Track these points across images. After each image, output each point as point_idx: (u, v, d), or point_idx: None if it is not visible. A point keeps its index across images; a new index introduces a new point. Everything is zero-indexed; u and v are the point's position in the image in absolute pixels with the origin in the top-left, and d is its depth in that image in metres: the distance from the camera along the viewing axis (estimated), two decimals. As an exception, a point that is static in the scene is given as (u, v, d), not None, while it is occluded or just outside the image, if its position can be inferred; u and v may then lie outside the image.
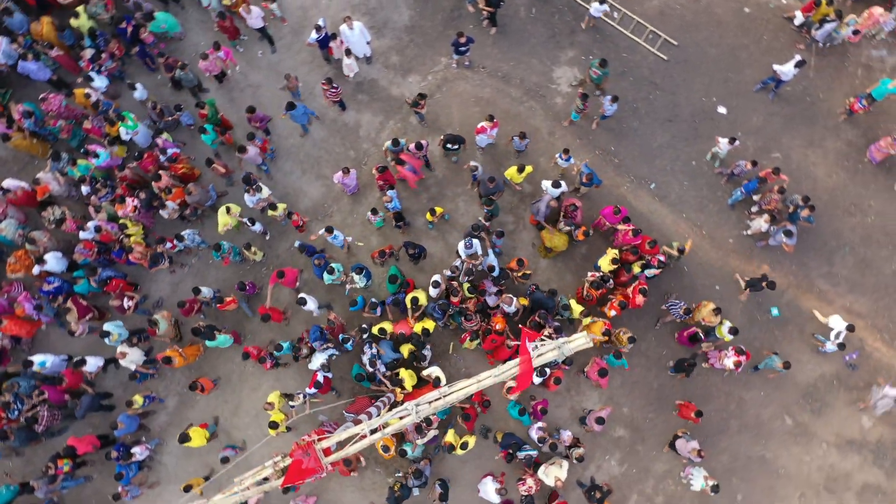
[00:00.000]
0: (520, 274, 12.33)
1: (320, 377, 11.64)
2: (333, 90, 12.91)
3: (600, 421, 11.47)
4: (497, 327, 11.43)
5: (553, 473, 11.31)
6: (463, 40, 12.97)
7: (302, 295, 11.86)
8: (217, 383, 12.69)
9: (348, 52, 12.97)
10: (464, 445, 11.41)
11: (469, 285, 12.00)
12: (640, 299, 11.91)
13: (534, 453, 11.72)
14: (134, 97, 13.22)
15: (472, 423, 11.57)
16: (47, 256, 12.22)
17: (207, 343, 11.87)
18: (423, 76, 13.98)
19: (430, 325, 11.91)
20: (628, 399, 12.95)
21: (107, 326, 12.05)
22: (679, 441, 12.08)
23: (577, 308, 12.00)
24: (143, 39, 13.29)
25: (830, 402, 12.97)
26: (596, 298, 12.18)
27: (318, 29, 12.86)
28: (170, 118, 13.17)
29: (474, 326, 11.58)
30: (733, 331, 11.92)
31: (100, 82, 13.18)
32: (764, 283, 12.17)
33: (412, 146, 12.41)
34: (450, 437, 11.56)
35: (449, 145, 12.67)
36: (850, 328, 12.14)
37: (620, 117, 13.81)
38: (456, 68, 13.98)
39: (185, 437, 11.44)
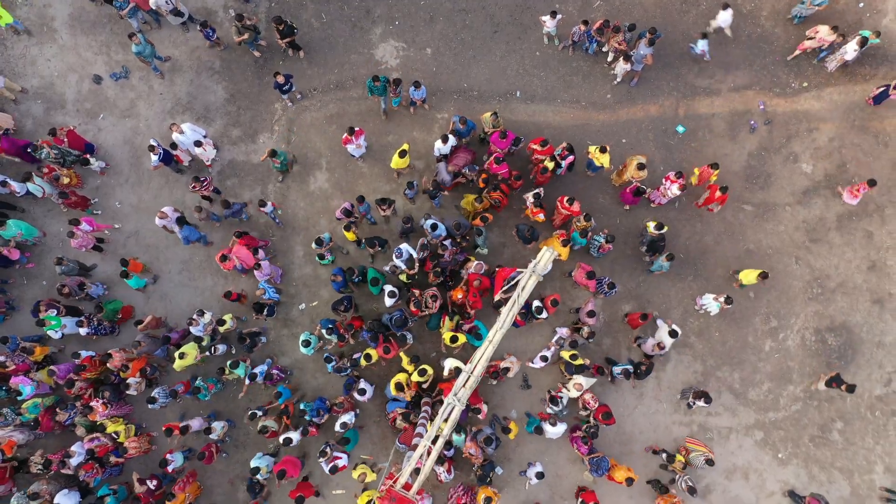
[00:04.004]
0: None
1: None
2: (204, 184, 12.84)
3: (591, 314, 11.89)
4: (458, 297, 11.70)
5: (573, 384, 11.84)
6: (282, 79, 12.95)
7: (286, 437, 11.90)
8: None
9: (197, 143, 12.84)
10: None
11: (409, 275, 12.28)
12: (576, 206, 12.33)
13: (629, 367, 12.17)
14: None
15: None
16: (58, 500, 11.92)
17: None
18: (270, 131, 13.95)
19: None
20: (615, 277, 13.41)
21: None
22: (645, 345, 12.57)
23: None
24: (9, 256, 12.97)
25: (769, 170, 13.71)
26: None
27: (153, 149, 12.68)
28: (78, 297, 12.91)
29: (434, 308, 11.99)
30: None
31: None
32: (844, 387, 12.23)
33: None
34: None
35: (370, 249, 12.56)
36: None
37: (456, 54, 14.09)
38: (293, 106, 13.98)
39: None
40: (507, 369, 11.94)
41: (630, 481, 11.45)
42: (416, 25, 14.22)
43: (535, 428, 12.00)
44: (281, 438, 11.80)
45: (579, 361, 12.08)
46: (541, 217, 12.38)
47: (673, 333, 11.99)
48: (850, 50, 12.79)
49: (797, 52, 13.58)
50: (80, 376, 12.34)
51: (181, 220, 12.31)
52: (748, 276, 12.52)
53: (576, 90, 13.99)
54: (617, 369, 12.31)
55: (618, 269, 13.42)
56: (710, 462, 11.80)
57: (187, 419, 12.58)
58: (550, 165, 12.44)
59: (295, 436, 11.78)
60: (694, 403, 12.31)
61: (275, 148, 13.11)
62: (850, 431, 13.23)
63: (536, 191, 12.42)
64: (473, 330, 11.97)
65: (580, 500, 11.86)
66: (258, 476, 11.80)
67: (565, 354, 12.15)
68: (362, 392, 11.98)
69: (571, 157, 12.63)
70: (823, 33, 12.89)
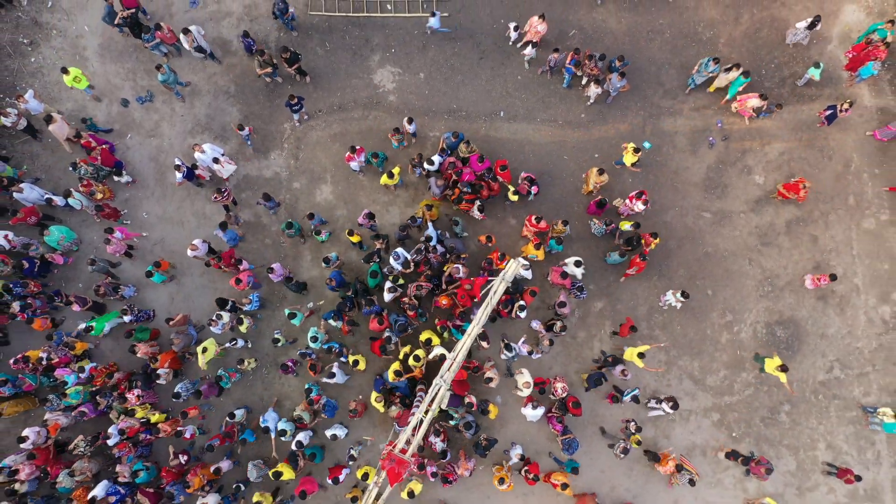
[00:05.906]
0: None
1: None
2: (225, 194, 14.55)
3: (562, 304, 13.63)
4: (443, 303, 13.39)
5: (521, 381, 13.45)
6: (294, 101, 14.59)
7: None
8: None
9: (215, 160, 14.50)
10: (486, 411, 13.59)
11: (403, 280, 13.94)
12: (542, 224, 13.99)
13: (636, 392, 13.86)
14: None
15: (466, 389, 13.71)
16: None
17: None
18: (280, 149, 15.61)
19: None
20: (588, 276, 15.05)
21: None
22: (613, 371, 14.08)
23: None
24: (54, 261, 14.60)
25: (726, 181, 15.36)
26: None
27: (178, 168, 14.30)
28: (113, 298, 14.60)
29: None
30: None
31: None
32: (741, 459, 14.10)
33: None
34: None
35: (377, 242, 14.25)
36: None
37: (447, 78, 15.72)
38: (300, 125, 15.63)
39: (277, 474, 12.86)
40: (490, 379, 13.42)
41: (565, 486, 13.27)
42: (411, 53, 15.85)
43: (573, 469, 13.71)
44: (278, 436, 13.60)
45: (644, 348, 13.68)
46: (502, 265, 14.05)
47: (578, 263, 13.73)
48: (801, 30, 14.72)
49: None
50: (94, 384, 14.02)
51: (224, 226, 14.12)
52: (769, 365, 13.91)
53: (553, 110, 15.63)
54: (626, 398, 13.95)
55: (590, 269, 15.04)
56: (692, 483, 13.58)
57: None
58: (514, 198, 14.15)
59: (304, 438, 13.60)
60: (659, 404, 13.97)
61: (289, 220, 14.71)
62: (796, 413, 14.95)
63: (479, 203, 14.09)
64: (458, 327, 13.65)
65: (525, 468, 13.58)
66: (283, 438, 13.44)
67: (634, 351, 13.58)
68: (332, 376, 13.82)
69: (535, 188, 14.39)
70: (754, 103, 14.60)
